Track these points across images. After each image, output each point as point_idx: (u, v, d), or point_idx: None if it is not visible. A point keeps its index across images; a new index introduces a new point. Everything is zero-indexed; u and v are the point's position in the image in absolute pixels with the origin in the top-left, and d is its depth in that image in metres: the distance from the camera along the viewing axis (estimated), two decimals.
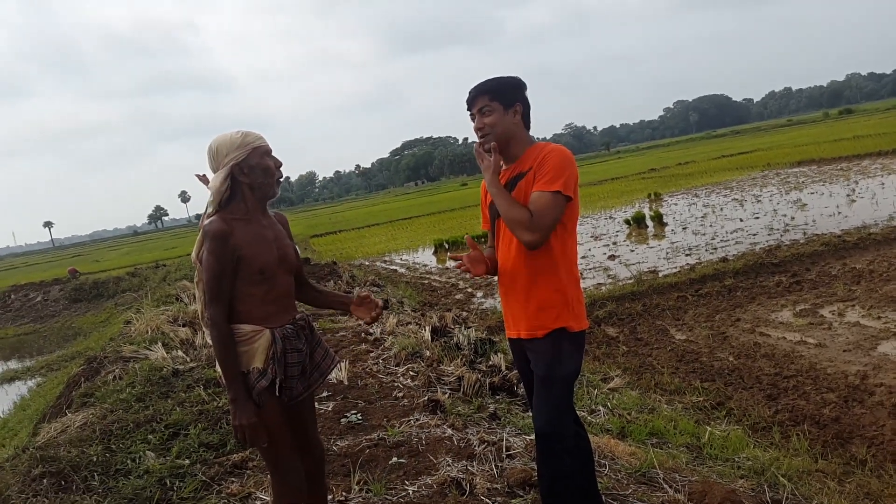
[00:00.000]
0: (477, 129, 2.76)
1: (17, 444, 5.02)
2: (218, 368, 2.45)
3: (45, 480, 3.76)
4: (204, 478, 3.77)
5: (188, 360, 6.50)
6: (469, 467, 3.66)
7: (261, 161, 2.46)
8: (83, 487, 3.72)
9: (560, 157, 2.60)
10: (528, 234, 2.57)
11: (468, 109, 2.79)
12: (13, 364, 15.67)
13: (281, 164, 2.55)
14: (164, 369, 6.13)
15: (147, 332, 8.48)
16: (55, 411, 6.34)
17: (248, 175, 2.45)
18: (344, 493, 3.43)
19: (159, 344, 7.10)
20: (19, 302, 24.91)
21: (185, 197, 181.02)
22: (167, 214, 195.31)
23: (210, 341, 2.51)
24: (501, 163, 2.82)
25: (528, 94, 2.81)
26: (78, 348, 14.49)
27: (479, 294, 12.13)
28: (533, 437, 4.17)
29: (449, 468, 3.65)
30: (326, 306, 2.88)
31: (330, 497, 3.34)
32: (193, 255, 2.46)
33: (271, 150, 2.53)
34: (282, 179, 2.57)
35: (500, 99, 2.70)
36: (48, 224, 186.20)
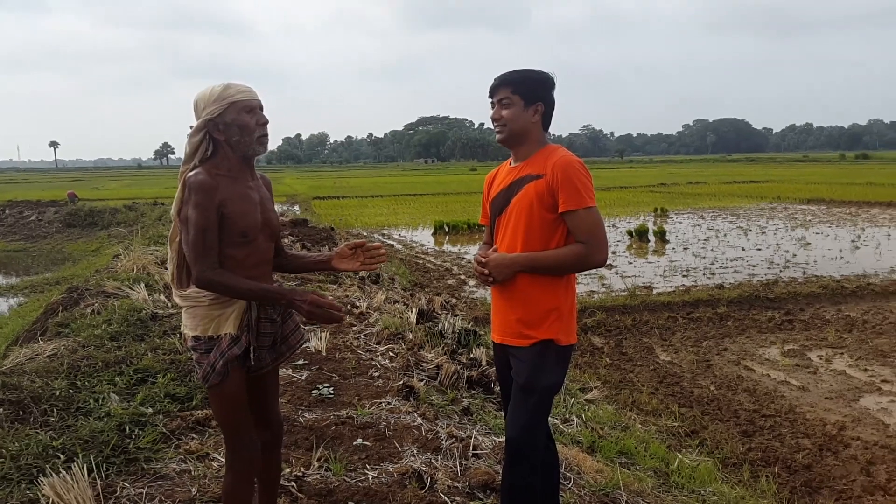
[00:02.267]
0: (493, 119, 2.69)
1: None
2: (187, 331, 2.36)
3: (2, 408, 3.67)
4: (164, 430, 3.69)
5: (169, 305, 6.41)
6: (433, 461, 3.59)
7: (237, 117, 2.29)
8: (41, 421, 3.63)
9: (581, 172, 2.54)
10: (596, 258, 2.54)
11: (489, 97, 2.70)
12: None
13: (265, 122, 2.37)
14: (144, 311, 6.04)
15: (133, 269, 8.38)
16: (28, 336, 6.26)
17: (224, 132, 2.30)
18: (302, 469, 3.35)
19: (142, 284, 7.00)
20: (13, 218, 24.75)
21: None
22: (174, 153, 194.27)
23: (181, 303, 2.39)
24: (510, 161, 2.76)
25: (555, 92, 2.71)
26: (64, 273, 14.40)
27: (472, 283, 12.05)
28: (502, 439, 4.11)
29: (413, 459, 3.57)
30: (304, 270, 2.74)
31: (288, 470, 3.27)
32: (173, 210, 2.32)
33: (257, 106, 2.35)
34: (266, 138, 2.38)
35: (523, 94, 2.61)
36: (54, 144, 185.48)
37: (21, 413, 3.70)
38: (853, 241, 16.39)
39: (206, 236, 2.23)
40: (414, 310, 7.23)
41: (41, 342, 5.48)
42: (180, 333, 5.36)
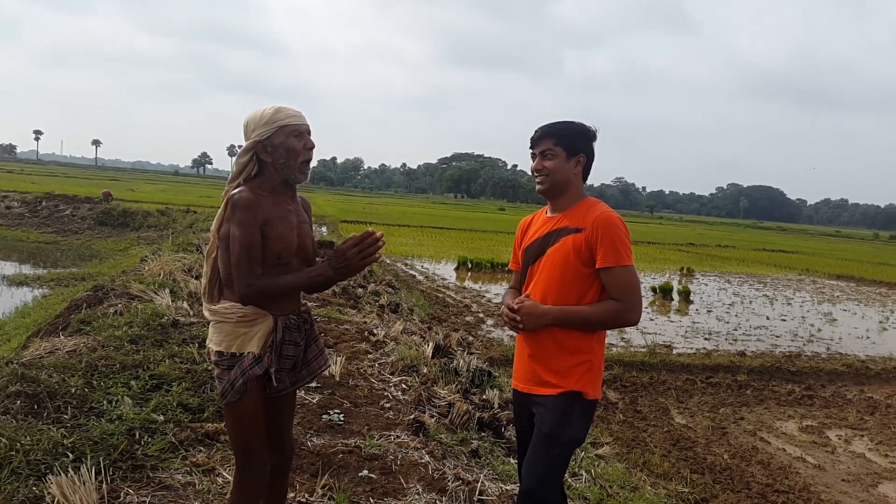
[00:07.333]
0: (534, 171, 2.70)
1: (4, 355, 4.98)
2: (211, 345, 2.37)
3: (18, 400, 3.70)
4: (173, 439, 3.69)
5: (191, 313, 6.46)
6: (438, 502, 3.54)
7: (285, 141, 2.34)
8: (54, 417, 3.66)
9: (621, 230, 2.55)
10: (629, 317, 2.57)
11: (531, 148, 2.71)
12: (26, 269, 15.83)
13: (312, 146, 2.41)
14: (166, 317, 6.08)
15: (159, 274, 8.48)
16: (50, 329, 6.32)
17: (272, 154, 2.35)
18: (306, 495, 3.33)
19: (167, 290, 7.07)
20: (48, 210, 25.23)
21: (233, 151, 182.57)
22: (211, 163, 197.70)
23: (210, 317, 2.40)
24: (547, 210, 2.76)
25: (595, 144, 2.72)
26: (90, 270, 14.59)
27: (490, 322, 11.99)
28: (509, 486, 4.05)
29: (417, 497, 3.53)
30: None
31: (292, 494, 3.24)
32: (213, 227, 2.36)
33: (305, 131, 2.39)
34: (310, 162, 2.42)
35: (565, 145, 2.63)
36: (96, 142, 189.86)
37: (36, 407, 3.73)
38: (881, 321, 16.08)
39: (250, 253, 2.26)
40: (430, 344, 7.21)
41: (62, 337, 5.54)
42: (199, 344, 5.40)
